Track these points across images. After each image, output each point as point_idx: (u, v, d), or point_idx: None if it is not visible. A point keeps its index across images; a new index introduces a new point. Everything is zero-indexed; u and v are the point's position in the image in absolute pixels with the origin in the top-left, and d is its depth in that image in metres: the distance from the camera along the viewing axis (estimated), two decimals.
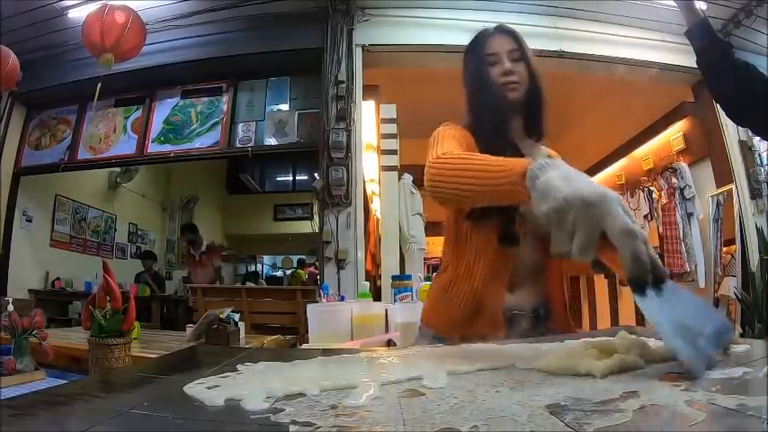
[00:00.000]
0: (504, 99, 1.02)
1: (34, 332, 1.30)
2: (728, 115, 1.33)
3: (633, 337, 0.55)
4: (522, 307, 0.99)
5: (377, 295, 3.12)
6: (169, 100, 4.15)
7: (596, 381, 0.44)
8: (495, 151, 0.95)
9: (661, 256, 4.48)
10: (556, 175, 0.57)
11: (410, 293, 1.92)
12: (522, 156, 0.98)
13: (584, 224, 0.51)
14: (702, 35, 1.24)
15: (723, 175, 3.88)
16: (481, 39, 1.06)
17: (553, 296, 1.04)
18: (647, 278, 0.49)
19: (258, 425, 0.35)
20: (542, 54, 3.75)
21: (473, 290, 0.98)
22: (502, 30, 1.06)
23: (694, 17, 1.25)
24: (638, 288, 0.49)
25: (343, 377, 0.49)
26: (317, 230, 3.63)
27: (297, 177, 9.34)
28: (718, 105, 1.31)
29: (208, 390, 0.46)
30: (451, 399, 0.40)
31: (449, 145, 0.93)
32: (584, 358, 0.48)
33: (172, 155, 4.03)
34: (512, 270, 0.98)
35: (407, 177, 3.81)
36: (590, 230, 0.51)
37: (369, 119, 3.82)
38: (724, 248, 3.86)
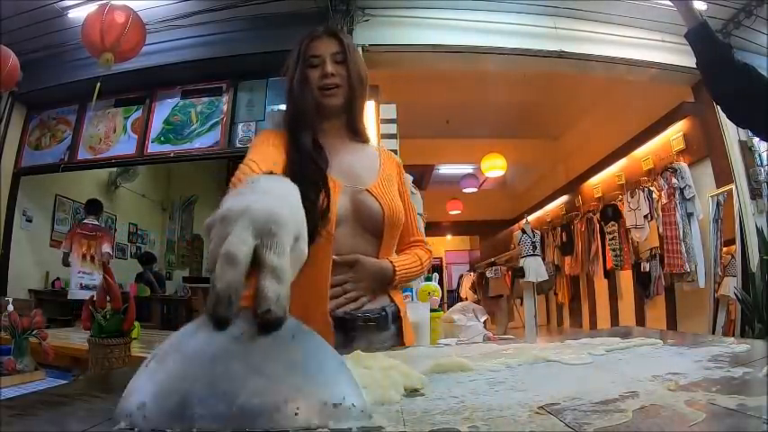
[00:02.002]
0: (320, 102, 1.02)
1: (34, 332, 1.31)
2: (729, 117, 1.33)
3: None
4: (364, 311, 0.98)
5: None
6: (169, 100, 4.15)
7: (596, 381, 0.44)
8: (302, 152, 0.99)
9: (661, 257, 4.49)
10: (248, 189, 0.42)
11: (410, 294, 1.92)
12: (325, 159, 1.00)
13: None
14: (702, 37, 1.24)
15: (723, 175, 3.88)
16: (307, 40, 1.05)
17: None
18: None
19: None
20: (542, 54, 3.77)
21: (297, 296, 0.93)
22: (329, 32, 1.07)
23: (693, 19, 1.25)
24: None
25: None
26: None
27: None
28: (718, 106, 1.31)
29: None
30: (451, 399, 0.40)
31: (258, 153, 0.96)
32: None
33: (172, 155, 4.02)
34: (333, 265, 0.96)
35: (407, 177, 3.78)
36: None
37: (369, 119, 3.82)
38: (724, 248, 3.87)
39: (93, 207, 4.36)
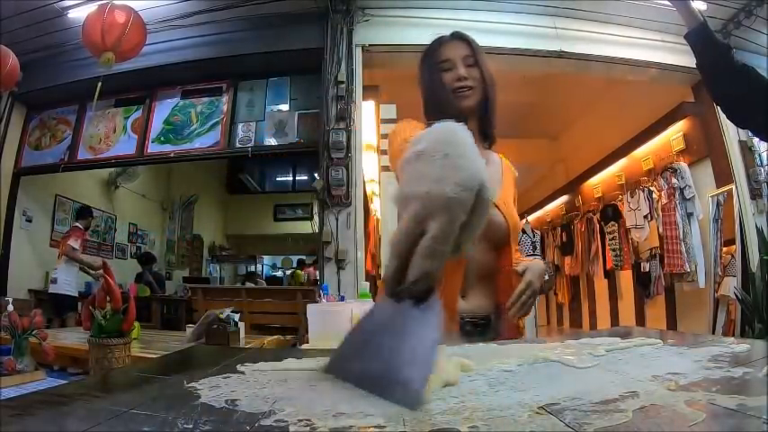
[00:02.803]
0: (456, 105, 1.03)
1: (34, 332, 1.31)
2: (728, 117, 1.33)
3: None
4: (475, 314, 1.00)
5: (377, 295, 3.12)
6: (169, 100, 4.15)
7: (596, 381, 0.44)
8: None
9: (661, 257, 4.48)
10: None
11: None
12: None
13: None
14: (702, 38, 1.24)
15: (723, 175, 3.88)
16: (436, 45, 1.07)
17: (504, 302, 1.04)
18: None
19: (258, 425, 0.35)
20: (542, 54, 3.77)
21: None
22: (457, 36, 1.08)
23: (693, 20, 1.25)
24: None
25: None
26: (316, 231, 3.63)
27: (297, 177, 9.34)
28: (718, 106, 1.31)
29: (208, 390, 0.46)
30: (451, 399, 0.40)
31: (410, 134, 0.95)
32: None
33: (172, 155, 4.03)
34: (464, 276, 0.98)
35: None
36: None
37: (369, 119, 3.82)
38: (724, 248, 3.86)
39: (80, 212, 4.50)
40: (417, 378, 0.39)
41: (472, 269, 0.99)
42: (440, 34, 1.09)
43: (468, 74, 1.03)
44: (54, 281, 4.00)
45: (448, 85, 1.03)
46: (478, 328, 1.00)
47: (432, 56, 1.06)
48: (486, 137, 1.11)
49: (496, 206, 1.03)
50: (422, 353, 0.41)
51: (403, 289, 0.43)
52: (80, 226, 4.19)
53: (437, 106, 1.05)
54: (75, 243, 3.99)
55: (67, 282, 3.98)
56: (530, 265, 1.03)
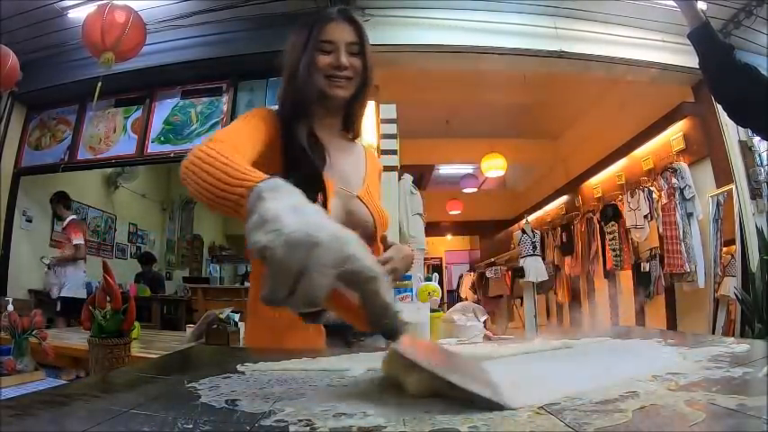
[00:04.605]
0: (328, 92, 0.95)
1: (34, 332, 1.31)
2: (730, 116, 1.33)
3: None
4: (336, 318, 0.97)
5: None
6: (169, 100, 4.15)
7: (596, 381, 0.44)
8: (299, 146, 0.91)
9: (661, 257, 4.48)
10: (286, 203, 0.46)
11: (410, 294, 1.92)
12: (323, 157, 0.93)
13: (315, 267, 0.41)
14: (704, 37, 1.24)
15: (723, 175, 3.87)
16: (321, 21, 0.95)
17: None
18: (393, 325, 0.44)
19: (258, 425, 0.35)
20: (542, 54, 3.76)
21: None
22: (346, 16, 0.97)
23: (696, 19, 1.25)
24: (390, 335, 0.45)
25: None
26: None
27: None
28: (718, 105, 1.31)
29: (208, 390, 0.46)
30: (451, 398, 0.40)
31: (232, 131, 0.85)
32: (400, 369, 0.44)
33: (172, 155, 4.03)
34: None
35: (407, 178, 3.80)
36: (322, 276, 0.41)
37: (369, 119, 3.81)
38: (724, 248, 3.86)
39: (59, 199, 4.33)
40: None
41: None
42: (325, 8, 0.99)
43: (349, 63, 0.94)
44: (62, 285, 3.89)
45: (322, 68, 0.93)
46: (342, 333, 0.95)
47: (312, 32, 0.94)
48: (349, 130, 1.06)
49: (360, 198, 0.98)
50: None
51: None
52: (75, 218, 4.11)
53: (300, 91, 0.94)
54: (78, 239, 3.92)
55: (77, 284, 3.94)
56: (395, 247, 0.99)
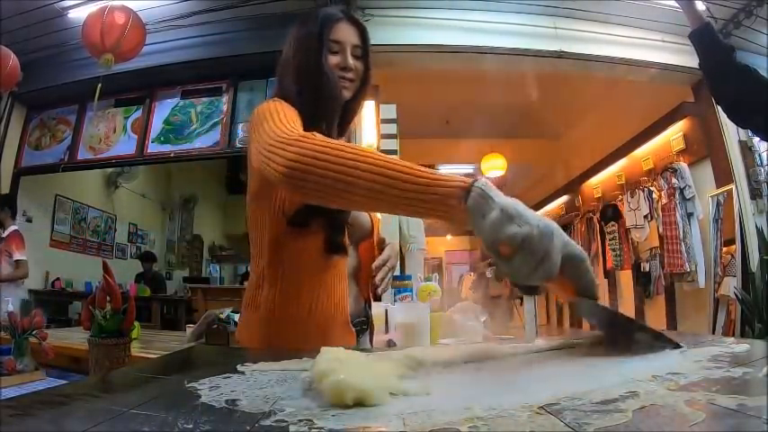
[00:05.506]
0: (338, 94, 0.96)
1: (34, 332, 1.30)
2: (729, 117, 1.34)
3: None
4: (354, 316, 0.99)
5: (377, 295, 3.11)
6: (169, 100, 4.15)
7: (596, 380, 0.44)
8: None
9: (661, 257, 4.48)
10: (509, 200, 0.56)
11: (410, 294, 1.92)
12: None
13: (555, 250, 0.52)
14: (706, 38, 1.25)
15: (723, 175, 3.87)
16: (329, 21, 0.95)
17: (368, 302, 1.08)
18: (596, 295, 0.58)
19: (258, 425, 0.35)
20: (542, 54, 3.76)
21: (311, 311, 0.90)
22: (352, 19, 0.98)
23: (698, 20, 1.25)
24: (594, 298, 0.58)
25: None
26: None
27: None
28: (718, 106, 1.31)
29: (208, 390, 0.46)
30: (451, 399, 0.40)
31: (295, 121, 0.80)
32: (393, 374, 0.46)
33: (172, 155, 4.03)
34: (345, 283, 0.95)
35: None
36: (558, 255, 0.52)
37: (369, 119, 3.81)
38: (724, 248, 3.86)
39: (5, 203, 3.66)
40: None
41: (349, 272, 0.97)
42: (329, 9, 0.98)
43: (353, 65, 0.96)
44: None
45: (334, 69, 0.94)
46: (363, 328, 1.02)
47: (322, 31, 0.94)
48: (343, 131, 1.06)
49: None
50: None
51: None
52: (18, 229, 3.43)
53: (318, 90, 0.93)
54: (21, 255, 3.30)
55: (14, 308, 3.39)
56: (389, 246, 1.07)
